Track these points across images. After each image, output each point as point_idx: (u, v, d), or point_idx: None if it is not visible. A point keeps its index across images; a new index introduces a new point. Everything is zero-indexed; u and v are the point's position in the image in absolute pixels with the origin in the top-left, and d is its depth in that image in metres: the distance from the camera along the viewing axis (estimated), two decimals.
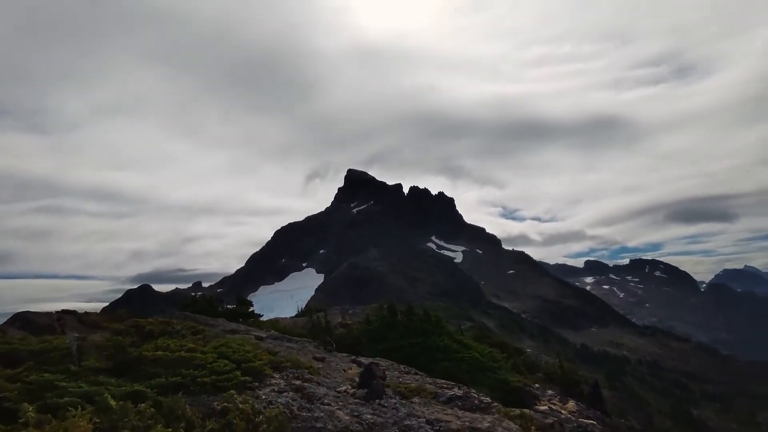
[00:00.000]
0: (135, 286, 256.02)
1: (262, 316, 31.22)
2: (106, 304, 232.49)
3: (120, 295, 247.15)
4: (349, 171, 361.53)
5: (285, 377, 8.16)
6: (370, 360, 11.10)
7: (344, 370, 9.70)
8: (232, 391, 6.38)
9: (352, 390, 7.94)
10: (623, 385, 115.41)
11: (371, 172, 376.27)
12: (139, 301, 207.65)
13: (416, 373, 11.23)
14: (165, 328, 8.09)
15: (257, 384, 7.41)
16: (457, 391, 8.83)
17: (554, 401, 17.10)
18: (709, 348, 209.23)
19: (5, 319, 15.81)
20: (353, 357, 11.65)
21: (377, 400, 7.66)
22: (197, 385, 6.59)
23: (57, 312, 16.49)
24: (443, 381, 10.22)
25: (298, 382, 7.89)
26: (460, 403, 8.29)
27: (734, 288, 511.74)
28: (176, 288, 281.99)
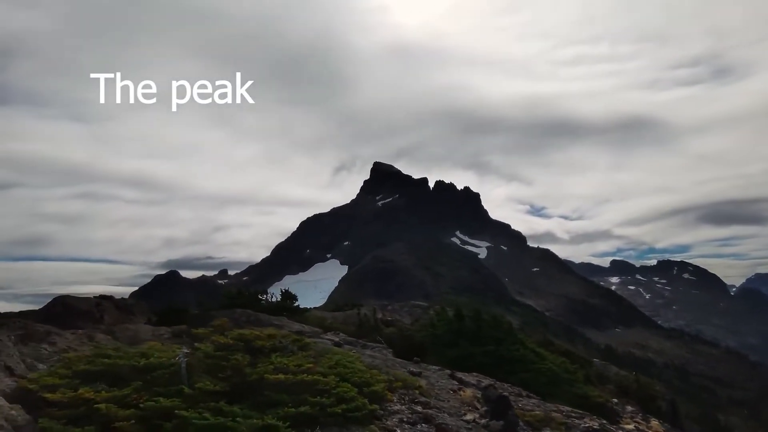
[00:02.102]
0: (163, 272, 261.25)
1: (306, 310, 30.49)
2: (135, 288, 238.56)
3: (149, 280, 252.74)
4: (376, 164, 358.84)
5: (402, 400, 7.21)
6: (489, 382, 10.06)
7: (452, 391, 8.71)
8: (373, 427, 5.45)
9: (482, 420, 6.94)
10: None
11: (399, 166, 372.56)
12: (166, 287, 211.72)
13: (529, 396, 10.16)
14: (274, 343, 7.21)
15: (382, 412, 6.46)
16: (590, 422, 7.73)
17: (637, 419, 15.82)
18: (738, 353, 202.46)
19: (45, 302, 15.58)
20: (449, 372, 10.64)
21: None
22: (328, 416, 5.65)
23: (95, 297, 16.01)
24: (567, 408, 9.13)
25: (419, 408, 6.94)
26: None
27: (766, 293, 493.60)
28: (203, 275, 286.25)
